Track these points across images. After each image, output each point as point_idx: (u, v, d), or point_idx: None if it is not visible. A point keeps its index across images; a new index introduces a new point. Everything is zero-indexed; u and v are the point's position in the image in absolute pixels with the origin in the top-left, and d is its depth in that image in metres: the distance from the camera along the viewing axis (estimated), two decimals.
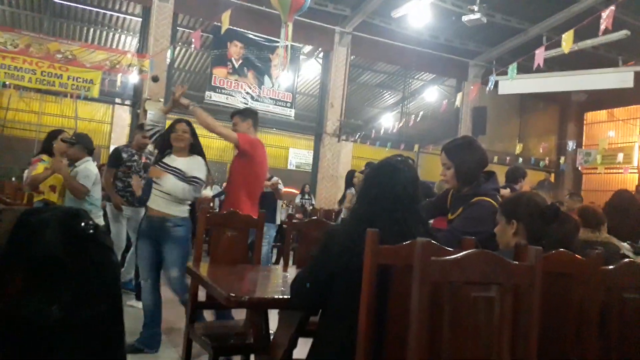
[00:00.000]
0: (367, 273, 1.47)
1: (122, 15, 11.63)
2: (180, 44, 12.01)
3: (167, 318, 3.40)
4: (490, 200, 2.23)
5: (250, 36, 10.96)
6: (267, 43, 11.03)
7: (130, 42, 12.56)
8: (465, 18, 8.82)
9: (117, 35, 12.57)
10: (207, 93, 10.67)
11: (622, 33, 9.04)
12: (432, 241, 1.36)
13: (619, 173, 13.10)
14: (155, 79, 9.68)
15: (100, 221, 3.98)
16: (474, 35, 11.89)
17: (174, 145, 3.17)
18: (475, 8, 8.58)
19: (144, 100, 10.03)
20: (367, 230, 1.47)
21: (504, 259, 1.39)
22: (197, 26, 10.59)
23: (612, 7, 5.60)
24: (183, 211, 3.17)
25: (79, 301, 0.85)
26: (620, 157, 12.43)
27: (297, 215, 8.01)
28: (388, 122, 13.99)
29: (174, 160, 3.16)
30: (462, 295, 1.33)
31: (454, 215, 2.35)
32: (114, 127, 13.47)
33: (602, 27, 5.68)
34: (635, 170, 13.06)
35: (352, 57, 12.26)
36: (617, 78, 9.99)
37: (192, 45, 9.35)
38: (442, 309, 1.31)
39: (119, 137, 12.63)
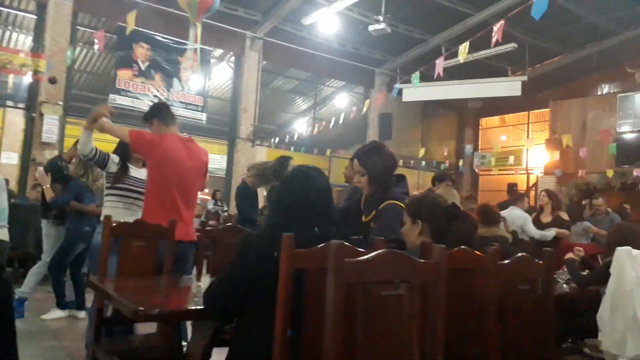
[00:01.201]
0: (284, 277, 1.47)
1: (13, 12, 10.68)
2: (81, 44, 11.28)
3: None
4: (397, 203, 2.34)
5: (158, 38, 10.56)
6: (175, 45, 10.70)
7: (24, 41, 11.57)
8: (371, 28, 9.16)
9: (7, 33, 11.52)
10: (111, 96, 10.11)
11: (511, 45, 9.89)
12: (346, 243, 1.40)
13: (510, 174, 14.27)
14: (52, 81, 9.00)
15: (5, 233, 3.63)
16: (379, 45, 12.37)
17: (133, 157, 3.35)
18: (380, 18, 8.95)
19: (40, 103, 9.29)
20: (282, 235, 1.48)
21: (411, 258, 1.46)
22: (100, 26, 10.02)
23: (502, 22, 6.11)
24: None
25: None
26: (512, 159, 13.55)
27: (210, 222, 7.83)
28: (301, 127, 14.13)
29: (138, 172, 3.36)
30: (373, 294, 1.38)
31: (368, 217, 2.44)
32: (5, 132, 12.30)
33: (494, 39, 6.17)
34: (525, 172, 14.31)
35: (264, 62, 12.24)
36: (507, 87, 10.90)
37: (95, 46, 8.81)
38: (355, 309, 1.35)
39: (12, 143, 11.55)
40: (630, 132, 11.44)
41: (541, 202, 5.77)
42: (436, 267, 1.48)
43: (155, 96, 10.50)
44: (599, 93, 13.01)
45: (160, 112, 3.14)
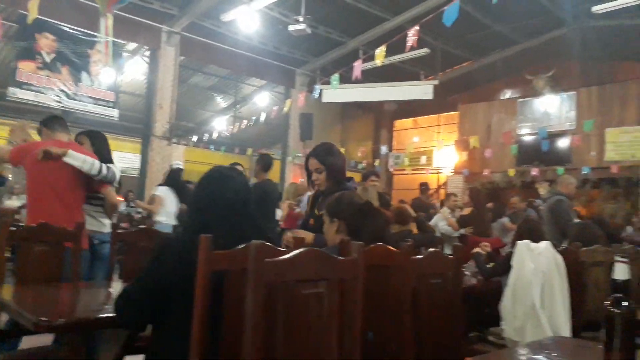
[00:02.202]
0: (201, 280, 1.44)
1: None
2: None
3: None
4: None
5: (65, 28, 9.86)
6: (85, 37, 10.05)
7: None
8: (291, 28, 9.18)
9: None
10: (10, 89, 9.30)
11: (424, 51, 10.35)
12: (266, 243, 1.39)
13: (422, 173, 14.94)
14: None
15: None
16: (300, 45, 12.43)
17: None
18: (301, 19, 8.98)
19: None
20: (200, 236, 1.45)
21: (331, 256, 1.48)
22: None
23: (417, 27, 6.38)
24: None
25: None
26: (424, 159, 14.23)
27: (122, 225, 7.44)
28: (221, 125, 13.86)
29: None
30: (294, 293, 1.38)
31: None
32: None
33: (409, 44, 6.42)
34: (435, 171, 15.06)
35: (181, 58, 11.85)
36: (420, 90, 11.41)
37: None
38: (275, 309, 1.35)
39: None
40: (529, 134, 12.42)
41: (463, 200, 6.32)
42: (355, 263, 1.51)
43: (62, 90, 9.82)
44: (502, 98, 13.98)
45: (46, 120, 3.18)
